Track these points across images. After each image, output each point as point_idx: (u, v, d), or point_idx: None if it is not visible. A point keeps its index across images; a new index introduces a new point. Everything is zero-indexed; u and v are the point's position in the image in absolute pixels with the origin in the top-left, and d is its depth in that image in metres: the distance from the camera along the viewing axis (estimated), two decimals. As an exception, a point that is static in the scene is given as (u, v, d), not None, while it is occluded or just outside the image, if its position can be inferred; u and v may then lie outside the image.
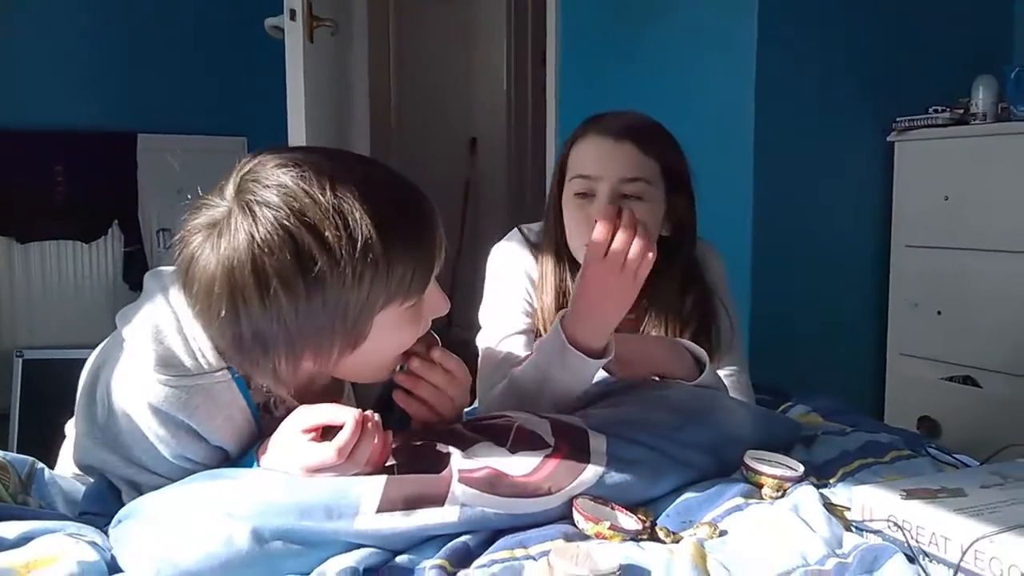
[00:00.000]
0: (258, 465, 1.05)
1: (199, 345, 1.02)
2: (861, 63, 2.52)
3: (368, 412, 1.01)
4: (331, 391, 1.20)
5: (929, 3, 2.60)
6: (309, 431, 1.02)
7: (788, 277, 2.43)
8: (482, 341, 1.52)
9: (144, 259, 3.68)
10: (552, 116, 3.08)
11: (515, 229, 1.62)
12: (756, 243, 2.38)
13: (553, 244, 1.53)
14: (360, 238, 0.94)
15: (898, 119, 2.52)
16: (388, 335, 1.06)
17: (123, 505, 1.05)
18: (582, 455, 1.12)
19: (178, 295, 1.04)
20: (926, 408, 2.39)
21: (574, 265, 1.49)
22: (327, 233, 0.94)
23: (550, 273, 1.52)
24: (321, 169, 0.97)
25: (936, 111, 2.45)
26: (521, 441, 1.11)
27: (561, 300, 1.50)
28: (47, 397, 2.60)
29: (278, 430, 1.05)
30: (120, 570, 0.95)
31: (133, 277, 3.65)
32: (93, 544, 0.96)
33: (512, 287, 1.54)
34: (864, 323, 2.60)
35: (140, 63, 3.65)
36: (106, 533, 1.01)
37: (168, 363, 1.01)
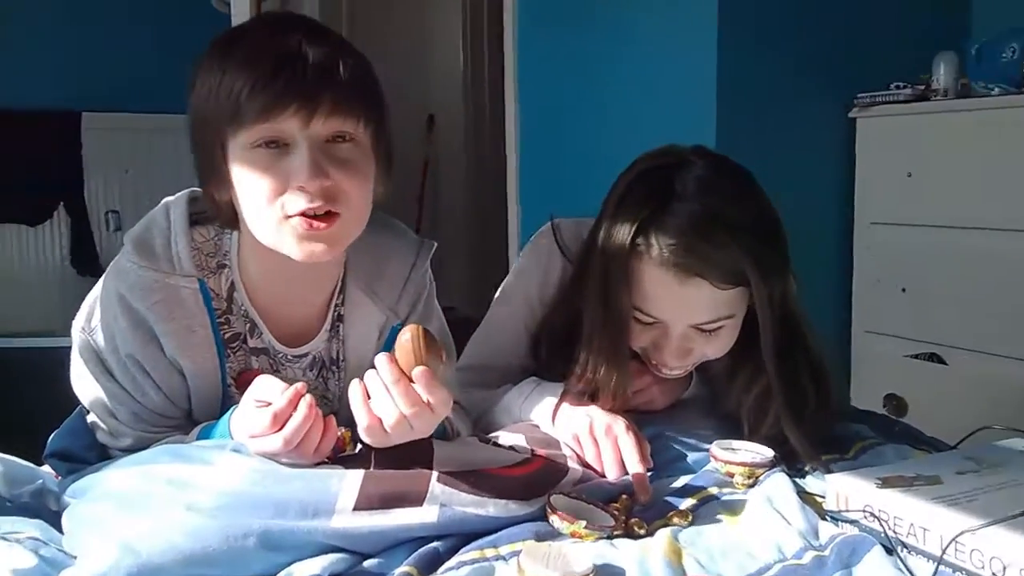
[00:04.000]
0: (231, 435, 1.03)
1: (179, 251, 1.09)
2: (822, 39, 2.50)
3: (301, 388, 0.98)
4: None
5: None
6: (261, 403, 1.00)
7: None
8: (477, 341, 1.45)
9: (92, 243, 3.59)
10: (511, 91, 3.03)
11: (549, 228, 1.41)
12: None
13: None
14: (217, 49, 1.03)
15: (860, 95, 2.50)
16: (244, 175, 1.02)
17: (95, 444, 1.14)
18: (560, 459, 1.13)
19: (179, 208, 1.12)
20: (892, 386, 2.39)
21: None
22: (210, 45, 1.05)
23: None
24: None
25: (898, 87, 2.43)
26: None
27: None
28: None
29: (243, 397, 1.04)
30: (70, 555, 0.92)
31: (81, 262, 3.56)
32: (32, 541, 0.92)
33: (516, 314, 1.40)
34: (828, 301, 2.59)
35: (83, 39, 3.54)
36: (55, 510, 1.01)
37: (143, 251, 1.08)
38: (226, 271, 1.14)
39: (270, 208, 1.02)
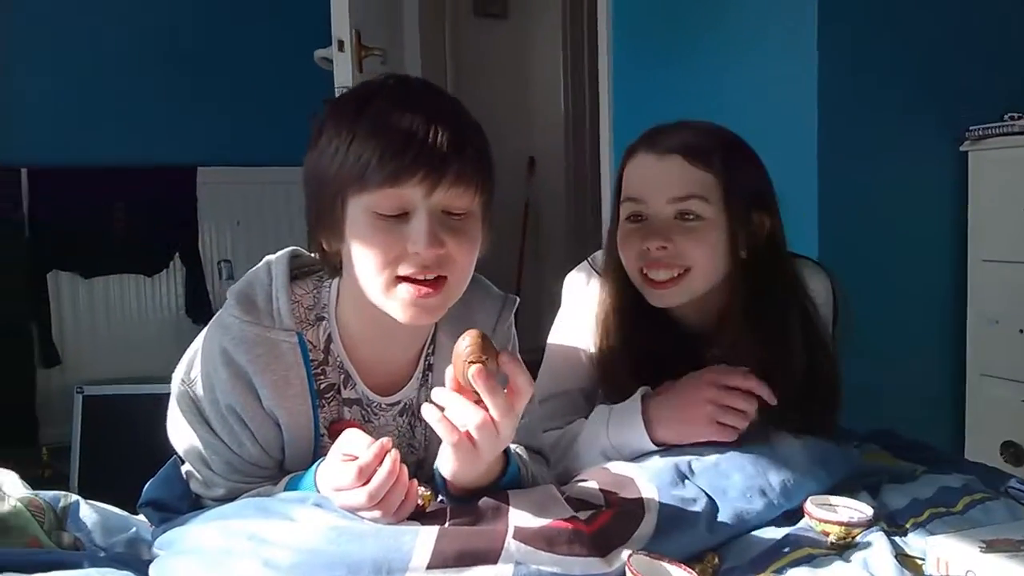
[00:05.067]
0: (316, 487, 1.06)
1: (280, 306, 1.13)
2: (931, 67, 2.39)
3: (387, 443, 1.01)
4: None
5: (1005, 2, 2.47)
6: (347, 457, 1.02)
7: (857, 295, 2.29)
8: (539, 379, 1.48)
9: (206, 291, 3.72)
10: (606, 132, 3.03)
11: (585, 261, 1.54)
12: (822, 259, 2.25)
13: (613, 264, 1.43)
14: (347, 112, 1.05)
15: (971, 127, 2.39)
16: (362, 235, 1.05)
17: (188, 494, 1.18)
18: (635, 506, 1.09)
19: (280, 265, 1.16)
20: (1010, 432, 2.25)
21: (631, 286, 1.40)
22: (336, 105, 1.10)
23: (609, 294, 1.44)
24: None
25: (1012, 118, 2.32)
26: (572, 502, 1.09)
27: (613, 318, 1.43)
28: (107, 433, 2.63)
29: (330, 451, 1.06)
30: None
31: (196, 310, 3.69)
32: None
33: (568, 338, 1.49)
34: (941, 343, 2.47)
35: (195, 97, 3.71)
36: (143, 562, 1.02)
37: (246, 306, 1.13)
38: (324, 323, 1.18)
39: (383, 272, 1.05)
